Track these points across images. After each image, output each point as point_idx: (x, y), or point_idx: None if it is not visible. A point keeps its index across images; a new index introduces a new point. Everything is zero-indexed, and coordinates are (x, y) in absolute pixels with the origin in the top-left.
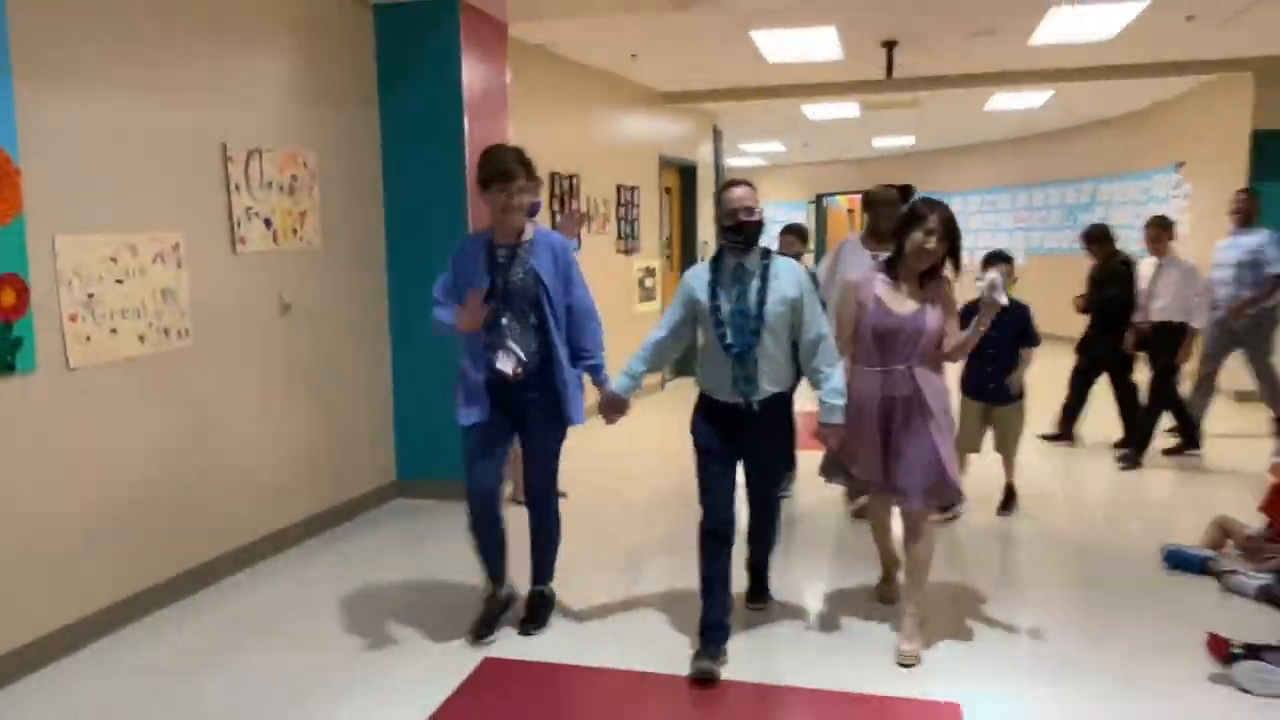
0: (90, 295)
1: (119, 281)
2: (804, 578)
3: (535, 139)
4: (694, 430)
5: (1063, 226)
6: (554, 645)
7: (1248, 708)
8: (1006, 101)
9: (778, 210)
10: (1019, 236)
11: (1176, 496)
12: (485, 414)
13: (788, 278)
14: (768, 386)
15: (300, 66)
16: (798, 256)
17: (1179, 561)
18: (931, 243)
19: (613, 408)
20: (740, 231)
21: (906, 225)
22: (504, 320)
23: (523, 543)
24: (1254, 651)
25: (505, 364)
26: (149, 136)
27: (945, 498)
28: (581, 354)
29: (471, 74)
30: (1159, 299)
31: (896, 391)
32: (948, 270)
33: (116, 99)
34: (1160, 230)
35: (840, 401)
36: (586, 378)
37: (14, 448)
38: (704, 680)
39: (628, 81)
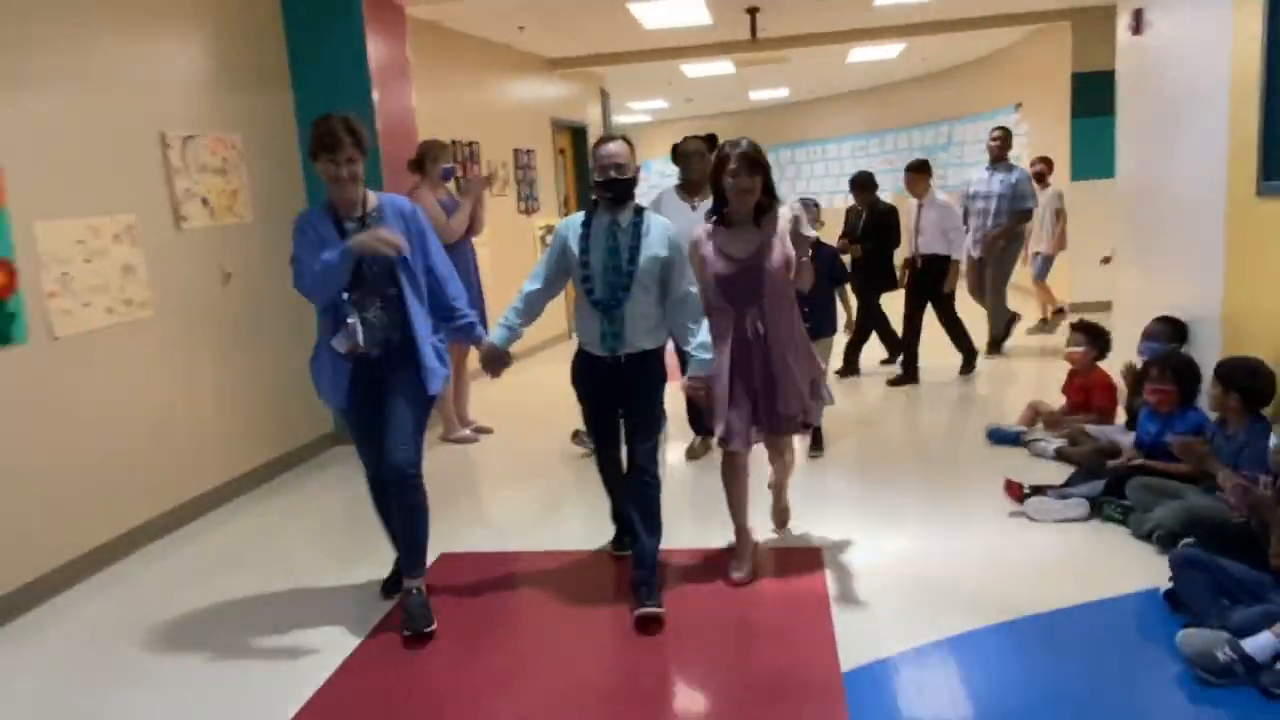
0: (65, 274)
1: (87, 261)
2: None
3: (435, 109)
4: (573, 381)
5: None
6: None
7: (1034, 531)
8: (865, 54)
9: (667, 164)
10: (888, 178)
11: (1002, 393)
12: (346, 398)
13: (659, 235)
14: (636, 342)
15: (219, 55)
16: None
17: (1000, 437)
18: (743, 180)
19: (493, 361)
20: (611, 187)
21: (718, 171)
22: (345, 296)
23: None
24: (1038, 490)
25: (340, 343)
26: (100, 130)
27: (809, 420)
28: (450, 315)
29: (375, 52)
30: (923, 234)
31: (752, 334)
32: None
33: (67, 98)
34: (916, 174)
35: (707, 356)
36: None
37: (14, 409)
38: (652, 620)
39: (517, 51)
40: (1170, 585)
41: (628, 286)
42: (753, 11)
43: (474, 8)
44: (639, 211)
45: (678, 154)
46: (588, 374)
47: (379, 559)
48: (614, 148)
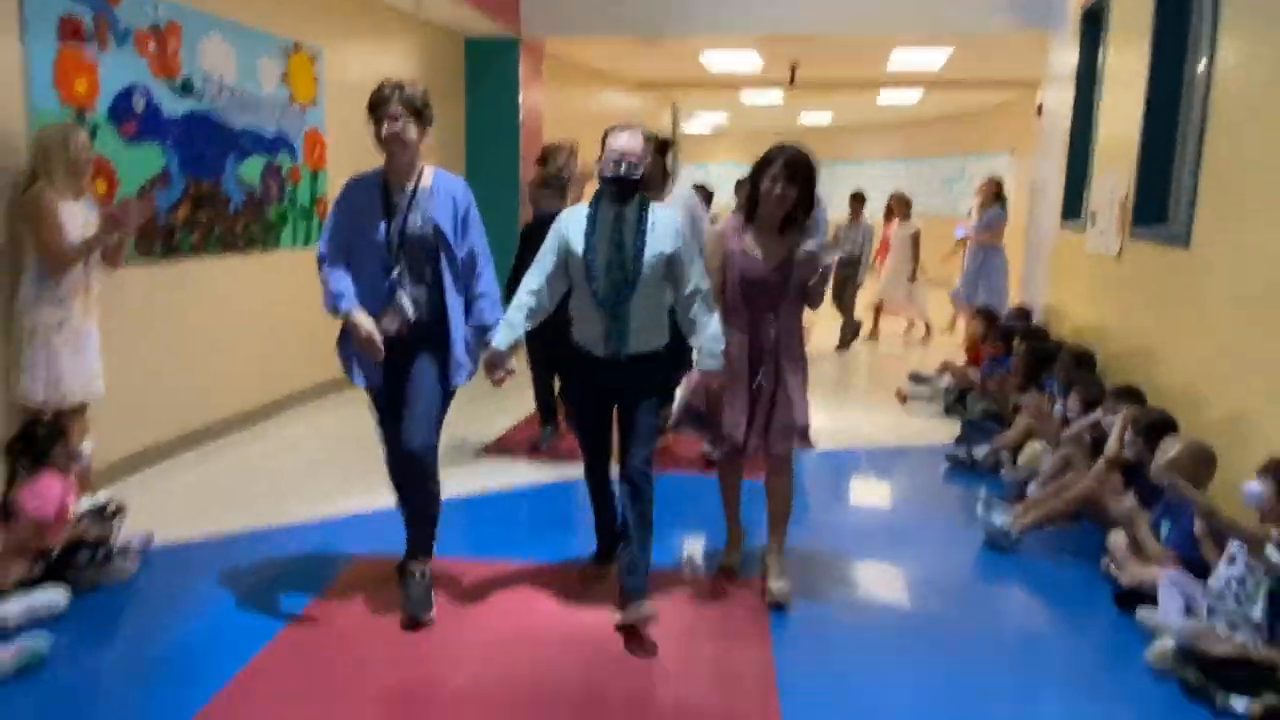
0: None
1: None
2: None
3: (565, 126)
4: (566, 389)
5: (940, 193)
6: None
7: (911, 416)
8: (890, 98)
9: (724, 167)
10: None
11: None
12: (378, 378)
13: (665, 230)
14: (641, 343)
15: (425, 75)
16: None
17: (920, 379)
18: (779, 188)
19: (494, 365)
20: (618, 183)
21: (758, 172)
22: (396, 273)
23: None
24: (917, 379)
25: (391, 323)
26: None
27: (805, 439)
28: (473, 308)
29: (524, 77)
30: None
31: (764, 342)
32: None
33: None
34: (858, 203)
35: (719, 348)
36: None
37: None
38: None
39: (613, 75)
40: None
41: (633, 283)
42: (794, 66)
43: (587, 48)
44: (644, 204)
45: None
46: (585, 376)
47: None
48: (628, 141)
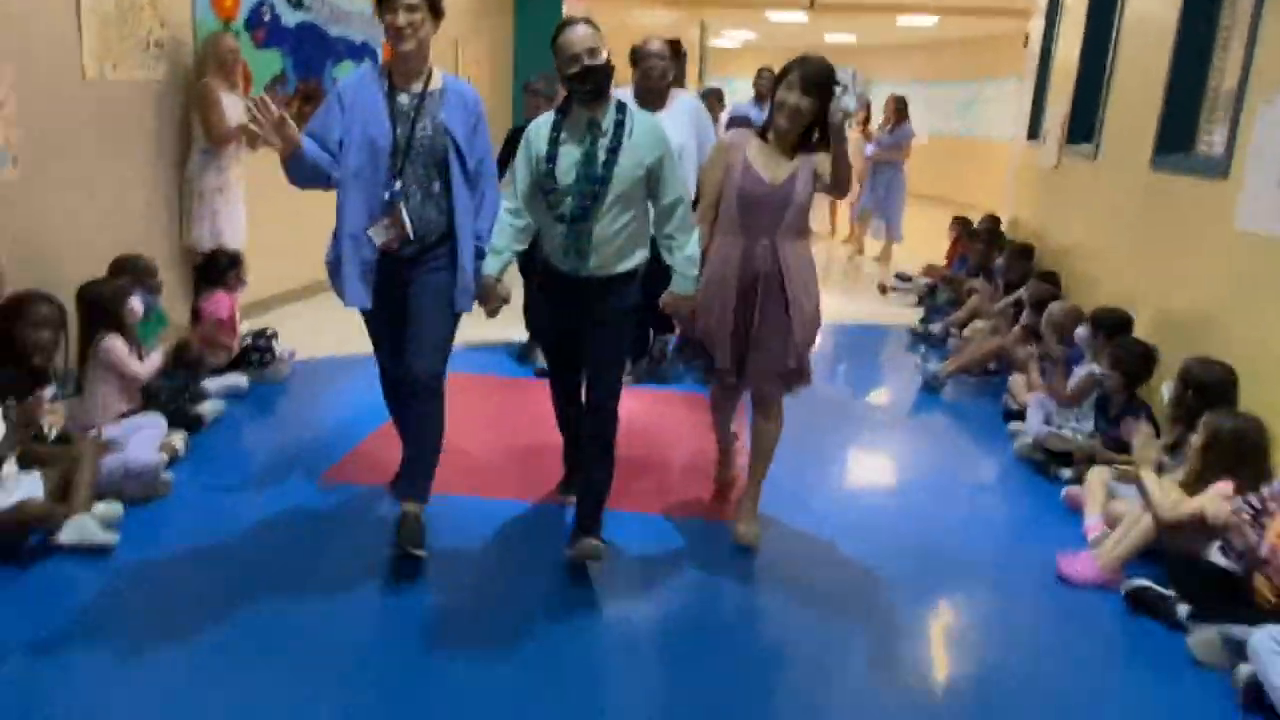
0: None
1: None
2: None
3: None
4: (529, 306)
5: (959, 116)
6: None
7: (888, 305)
8: (908, 20)
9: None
10: (925, 121)
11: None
12: (368, 299)
13: (647, 138)
14: (604, 264)
15: None
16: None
17: (903, 278)
18: (793, 98)
19: (487, 296)
20: (586, 78)
21: (777, 82)
22: (399, 184)
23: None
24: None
25: (380, 234)
26: None
27: (798, 383)
28: (480, 229)
29: (567, 4)
30: None
31: (759, 267)
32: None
33: None
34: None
35: (693, 271)
36: None
37: None
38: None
39: None
40: None
41: (598, 196)
42: None
43: None
44: (621, 109)
45: (635, 55)
46: (550, 293)
47: None
48: (581, 32)
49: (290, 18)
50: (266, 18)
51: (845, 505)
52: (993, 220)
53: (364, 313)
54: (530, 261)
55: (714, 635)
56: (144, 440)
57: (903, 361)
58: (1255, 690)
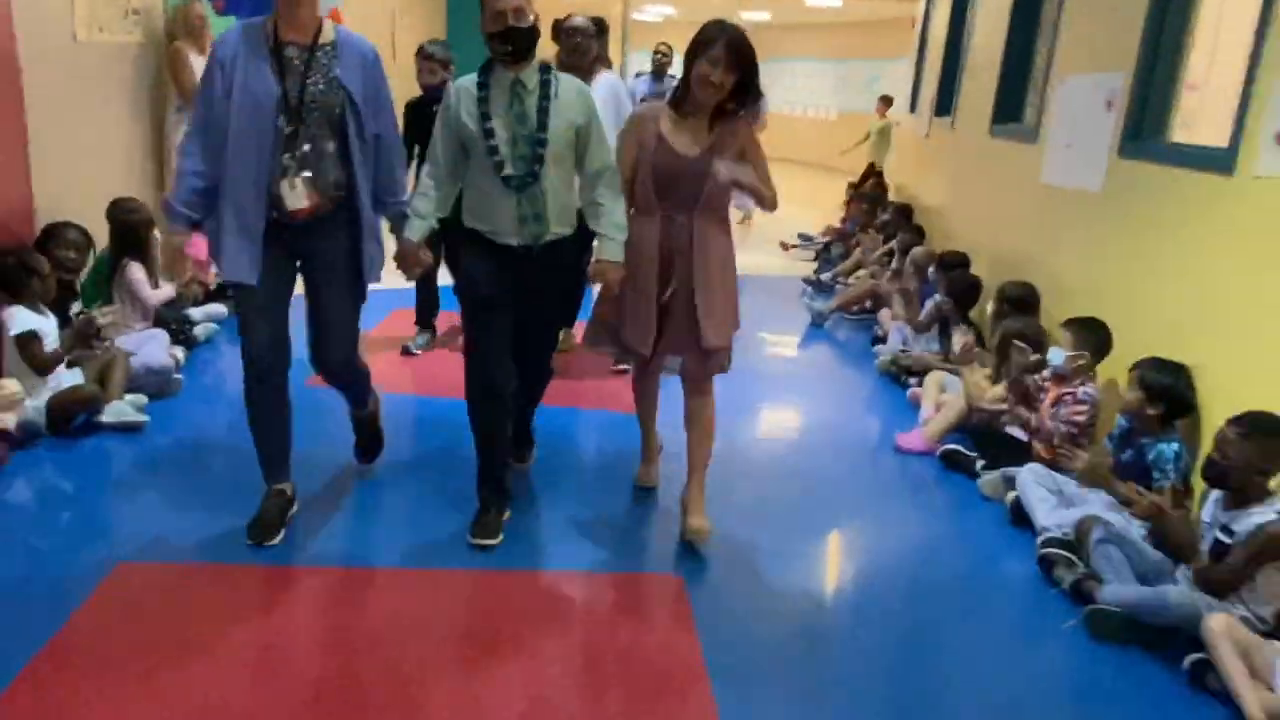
0: None
1: None
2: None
3: None
4: (462, 278)
5: (862, 93)
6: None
7: (791, 260)
8: (816, 2)
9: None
10: (835, 98)
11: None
12: (259, 268)
13: (573, 100)
14: (556, 226)
15: None
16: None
17: (805, 237)
18: (716, 74)
19: (408, 259)
20: (508, 39)
21: (693, 53)
22: (291, 148)
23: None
24: (804, 236)
25: (297, 199)
26: None
27: (719, 363)
28: (386, 196)
29: None
30: None
31: (676, 243)
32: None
33: None
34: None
35: (621, 236)
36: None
37: None
38: (484, 548)
39: None
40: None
41: (541, 157)
42: None
43: None
44: (546, 70)
45: (557, 30)
46: (488, 265)
47: None
48: None
49: None
50: None
51: (746, 412)
52: (878, 185)
53: (240, 292)
54: (449, 232)
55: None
56: (157, 347)
57: (797, 305)
58: (1018, 508)
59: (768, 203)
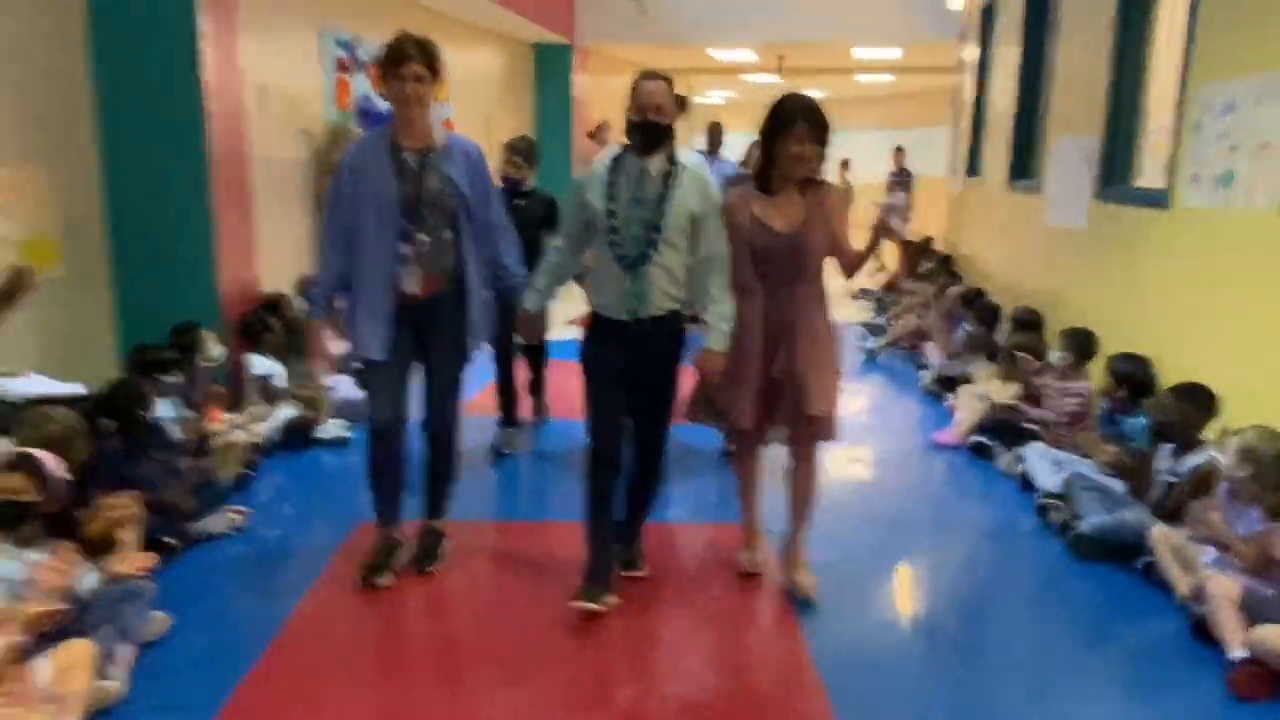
0: None
1: None
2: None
3: (600, 108)
4: (583, 355)
5: (916, 157)
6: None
7: (854, 309)
8: (866, 79)
9: (738, 136)
10: (889, 164)
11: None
12: (390, 347)
13: (694, 189)
14: (661, 302)
15: None
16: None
17: (866, 291)
18: (805, 150)
19: (528, 328)
20: (645, 130)
21: (774, 131)
22: (410, 239)
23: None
24: (864, 291)
25: (411, 284)
26: None
27: (825, 431)
28: (503, 272)
29: (575, 80)
30: None
31: (781, 318)
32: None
33: None
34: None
35: (726, 327)
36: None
37: None
38: (590, 613)
39: (635, 63)
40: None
41: (655, 242)
42: (781, 58)
43: (621, 49)
44: (672, 160)
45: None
46: (604, 343)
47: None
48: (654, 86)
49: (381, 104)
50: (368, 107)
51: None
52: (925, 239)
53: (369, 365)
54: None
55: None
56: (348, 386)
57: (855, 347)
58: (1027, 480)
59: (854, 269)
